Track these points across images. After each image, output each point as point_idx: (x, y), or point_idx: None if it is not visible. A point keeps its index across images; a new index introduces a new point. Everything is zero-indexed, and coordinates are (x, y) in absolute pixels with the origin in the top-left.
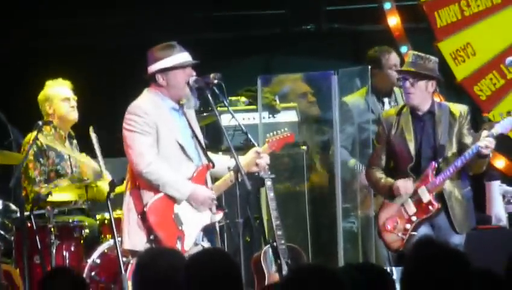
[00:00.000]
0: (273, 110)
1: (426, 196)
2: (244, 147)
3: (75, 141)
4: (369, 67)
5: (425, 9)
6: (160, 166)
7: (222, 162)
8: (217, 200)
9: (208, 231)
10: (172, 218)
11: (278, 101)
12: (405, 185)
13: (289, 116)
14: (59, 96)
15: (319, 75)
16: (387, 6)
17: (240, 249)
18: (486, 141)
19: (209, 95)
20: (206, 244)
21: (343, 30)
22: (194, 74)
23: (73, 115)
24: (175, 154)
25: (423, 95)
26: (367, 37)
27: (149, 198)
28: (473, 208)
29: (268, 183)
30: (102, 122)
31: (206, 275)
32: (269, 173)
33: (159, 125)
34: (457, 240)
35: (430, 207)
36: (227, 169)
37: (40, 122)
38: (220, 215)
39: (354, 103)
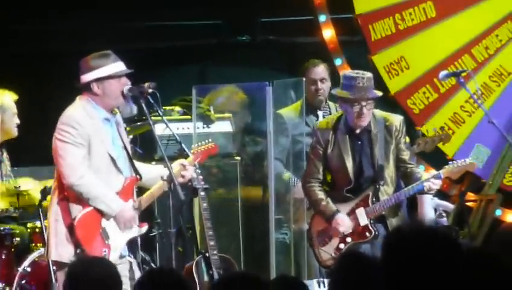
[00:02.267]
0: (207, 120)
1: (364, 220)
2: (177, 157)
3: (6, 153)
4: (304, 79)
5: (360, 22)
6: (92, 179)
7: (153, 172)
8: (149, 209)
9: (131, 243)
10: (99, 232)
11: (212, 112)
12: (344, 223)
13: (223, 126)
14: (12, 109)
15: (254, 86)
16: (322, 18)
17: (172, 259)
18: (432, 183)
19: (143, 104)
20: (130, 257)
21: (278, 41)
22: (129, 83)
23: (16, 132)
24: (105, 166)
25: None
26: (302, 49)
27: (77, 211)
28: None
29: (202, 193)
30: (29, 128)
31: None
32: (203, 183)
33: (92, 137)
34: None
35: (367, 233)
36: (161, 179)
37: None
38: (145, 228)
39: (288, 115)
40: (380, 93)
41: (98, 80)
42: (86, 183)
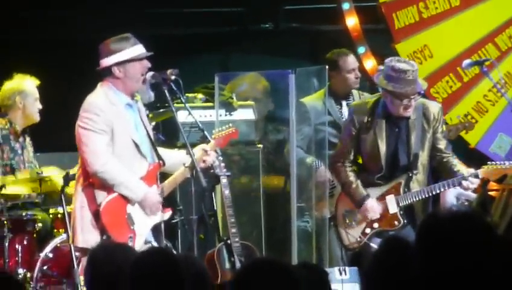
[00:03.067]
0: (230, 107)
1: (393, 208)
2: (200, 144)
3: (28, 138)
4: (327, 67)
5: (384, 10)
6: (116, 166)
7: (176, 157)
8: (171, 196)
9: (155, 228)
10: (125, 218)
11: (235, 99)
12: (374, 210)
13: (246, 114)
14: (34, 94)
15: (277, 74)
16: (345, 6)
17: (194, 246)
18: (470, 182)
19: (166, 91)
20: (155, 242)
21: (301, 29)
22: (150, 65)
23: (38, 117)
24: (129, 152)
25: None
26: (325, 37)
27: (103, 197)
28: None
29: (224, 180)
30: (53, 116)
31: (149, 275)
32: (225, 170)
33: (114, 123)
34: None
35: (396, 222)
36: (183, 165)
37: None
38: (168, 214)
39: (311, 104)
40: (426, 85)
41: (120, 63)
42: (110, 170)
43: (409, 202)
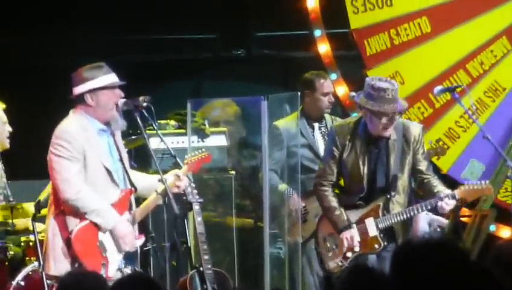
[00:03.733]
0: (202, 134)
1: (373, 230)
2: (173, 170)
3: (1, 165)
4: (299, 93)
5: (355, 37)
6: (88, 194)
7: (148, 182)
8: (143, 223)
9: (129, 255)
10: (97, 245)
11: (207, 126)
12: (353, 240)
13: (218, 140)
14: (2, 118)
15: (249, 100)
16: (317, 33)
17: (166, 274)
18: (445, 203)
19: (138, 118)
20: (128, 269)
21: (273, 56)
22: (122, 94)
23: (7, 143)
24: (101, 179)
25: None
26: (297, 64)
27: (74, 225)
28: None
29: (196, 207)
30: (24, 143)
31: None
32: (197, 197)
33: (87, 150)
34: None
35: (376, 245)
36: (155, 192)
37: None
38: (141, 241)
39: (285, 126)
40: (406, 104)
41: (92, 91)
42: (82, 198)
43: (388, 224)
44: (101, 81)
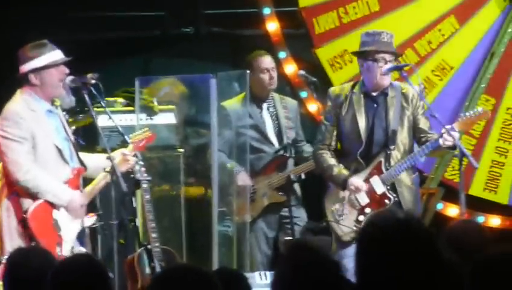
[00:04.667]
0: (150, 112)
1: (380, 188)
2: (120, 148)
3: None
4: (248, 71)
5: (304, 15)
6: (38, 173)
7: (96, 161)
8: (91, 202)
9: (79, 233)
10: (52, 224)
11: (155, 103)
12: (358, 184)
13: (167, 118)
14: None
15: (198, 78)
16: (266, 11)
17: (114, 252)
18: (446, 137)
19: (86, 95)
20: (81, 248)
21: (222, 34)
22: (68, 71)
23: None
24: (52, 158)
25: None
26: (246, 42)
27: (28, 204)
28: (419, 193)
29: (144, 185)
30: None
31: (72, 281)
32: (145, 175)
33: (35, 130)
34: None
35: (387, 201)
36: (103, 170)
37: None
38: (92, 219)
39: (232, 107)
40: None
41: (36, 70)
42: (32, 178)
43: (394, 177)
44: (44, 59)
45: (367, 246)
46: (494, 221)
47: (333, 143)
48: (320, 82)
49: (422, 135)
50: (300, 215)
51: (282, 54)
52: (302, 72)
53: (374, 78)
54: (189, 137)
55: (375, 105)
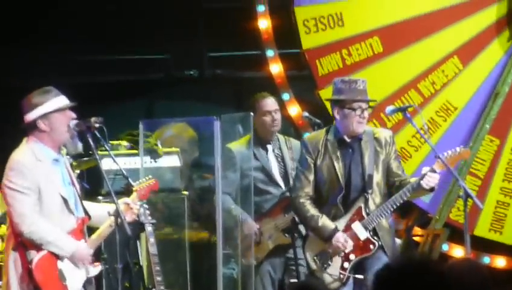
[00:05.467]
0: (155, 154)
1: (363, 233)
2: (125, 192)
3: None
4: (251, 114)
5: (307, 57)
6: (42, 225)
7: (99, 210)
8: (94, 251)
9: (85, 282)
10: (57, 274)
11: (160, 146)
12: (344, 241)
13: (171, 161)
14: None
15: (201, 121)
16: (269, 53)
17: None
18: (428, 178)
19: (90, 139)
20: None
21: (225, 76)
22: (74, 116)
23: None
24: (57, 208)
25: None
26: (249, 84)
27: (33, 255)
28: (395, 236)
29: (149, 228)
30: None
31: None
32: (150, 218)
33: (41, 180)
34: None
35: (371, 246)
36: (107, 214)
37: None
38: (98, 269)
39: (238, 149)
40: (375, 100)
41: (43, 116)
42: (36, 231)
43: (376, 222)
44: (51, 105)
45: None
46: (500, 262)
47: (311, 190)
48: (324, 123)
49: (396, 179)
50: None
51: (285, 96)
52: (306, 113)
53: (350, 126)
54: (194, 180)
55: (351, 150)
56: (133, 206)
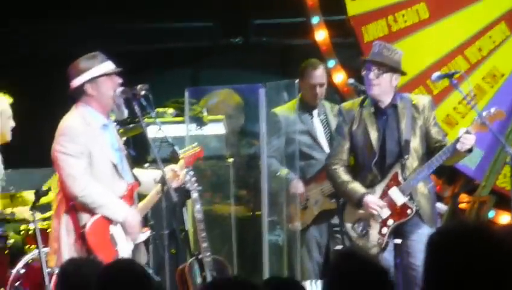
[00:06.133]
0: (200, 122)
1: (400, 199)
2: (170, 159)
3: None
4: (296, 81)
5: (353, 24)
6: (95, 189)
7: (145, 177)
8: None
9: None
10: (109, 239)
11: (205, 114)
12: (376, 202)
13: (216, 128)
14: (7, 112)
15: (247, 88)
16: (315, 20)
17: (166, 262)
18: (463, 140)
19: (136, 106)
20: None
21: (271, 43)
22: (121, 81)
23: (10, 136)
24: (108, 173)
25: (387, 87)
26: (295, 51)
27: (86, 219)
28: (436, 202)
29: (195, 195)
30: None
31: (116, 285)
32: (196, 185)
33: (92, 145)
34: (428, 231)
35: (408, 211)
36: (154, 181)
37: None
38: (147, 234)
39: (283, 113)
40: (392, 65)
41: (91, 80)
42: (90, 194)
43: (413, 186)
44: (98, 69)
45: (435, 254)
46: None
47: (345, 157)
48: None
49: (436, 145)
50: None
51: (331, 63)
52: (351, 80)
53: (367, 88)
54: (239, 147)
55: (386, 117)
56: (179, 173)
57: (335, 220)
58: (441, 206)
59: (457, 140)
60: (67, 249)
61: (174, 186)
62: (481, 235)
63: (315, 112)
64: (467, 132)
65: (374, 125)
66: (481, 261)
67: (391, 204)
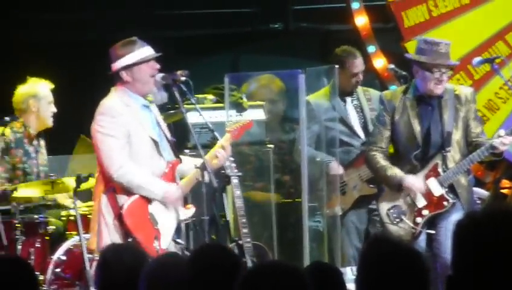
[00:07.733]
0: (240, 108)
1: (438, 190)
2: (210, 145)
3: (43, 142)
4: (336, 66)
5: (393, 9)
6: (131, 168)
7: (185, 162)
8: (184, 198)
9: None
10: (148, 218)
11: (245, 99)
12: (418, 184)
13: (256, 114)
14: (48, 98)
15: (286, 74)
16: (355, 5)
17: None
18: (503, 139)
19: (176, 92)
20: (179, 240)
21: (310, 29)
22: (158, 66)
23: (51, 121)
24: (148, 152)
25: None
26: (335, 37)
27: (124, 200)
28: (474, 195)
29: (235, 181)
30: (65, 118)
31: (212, 269)
32: (236, 170)
33: (131, 124)
34: None
35: (445, 203)
36: (194, 166)
37: (8, 118)
38: (192, 211)
39: (316, 101)
40: (457, 62)
41: (126, 67)
42: (126, 173)
43: (452, 179)
44: (134, 56)
45: (463, 237)
46: None
47: (385, 146)
48: (410, 76)
49: (473, 139)
50: None
51: (371, 48)
52: (391, 66)
53: (427, 88)
54: (279, 132)
55: (430, 108)
56: (226, 147)
57: (373, 205)
58: (483, 192)
59: (498, 138)
60: (107, 230)
61: (215, 168)
62: (509, 218)
63: (348, 99)
64: (510, 133)
65: (418, 116)
66: (509, 243)
67: (428, 194)
